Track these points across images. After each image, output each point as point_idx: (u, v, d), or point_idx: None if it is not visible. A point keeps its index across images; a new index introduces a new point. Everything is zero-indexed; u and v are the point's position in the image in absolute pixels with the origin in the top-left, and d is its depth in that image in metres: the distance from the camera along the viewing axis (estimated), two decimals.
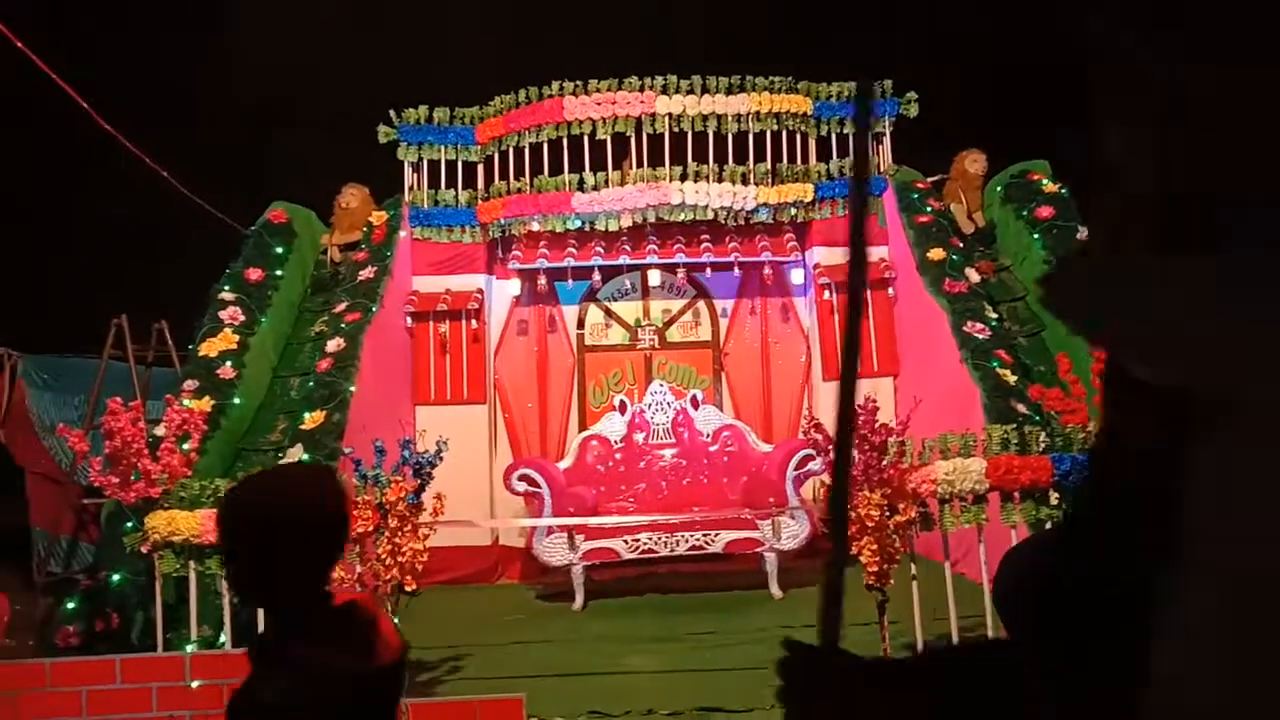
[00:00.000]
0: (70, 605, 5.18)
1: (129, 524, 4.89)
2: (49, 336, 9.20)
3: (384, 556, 4.45)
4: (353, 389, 6.45)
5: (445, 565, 7.54)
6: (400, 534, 4.44)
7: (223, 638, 4.73)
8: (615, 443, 7.49)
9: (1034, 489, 4.44)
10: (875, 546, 4.34)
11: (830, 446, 4.42)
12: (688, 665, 5.16)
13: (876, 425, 4.29)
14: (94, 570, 5.33)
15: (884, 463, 4.37)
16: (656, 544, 6.54)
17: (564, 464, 7.39)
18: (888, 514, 4.33)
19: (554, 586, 6.72)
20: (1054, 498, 4.45)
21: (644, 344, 8.19)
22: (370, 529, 4.43)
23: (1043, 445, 4.49)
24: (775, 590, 6.47)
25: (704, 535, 6.52)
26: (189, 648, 4.57)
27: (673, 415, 7.54)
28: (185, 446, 5.96)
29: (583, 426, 7.96)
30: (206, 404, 6.36)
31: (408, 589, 4.49)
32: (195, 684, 4.45)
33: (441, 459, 4.71)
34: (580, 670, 5.16)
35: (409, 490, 4.46)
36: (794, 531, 6.41)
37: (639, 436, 7.51)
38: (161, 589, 4.74)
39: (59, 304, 9.14)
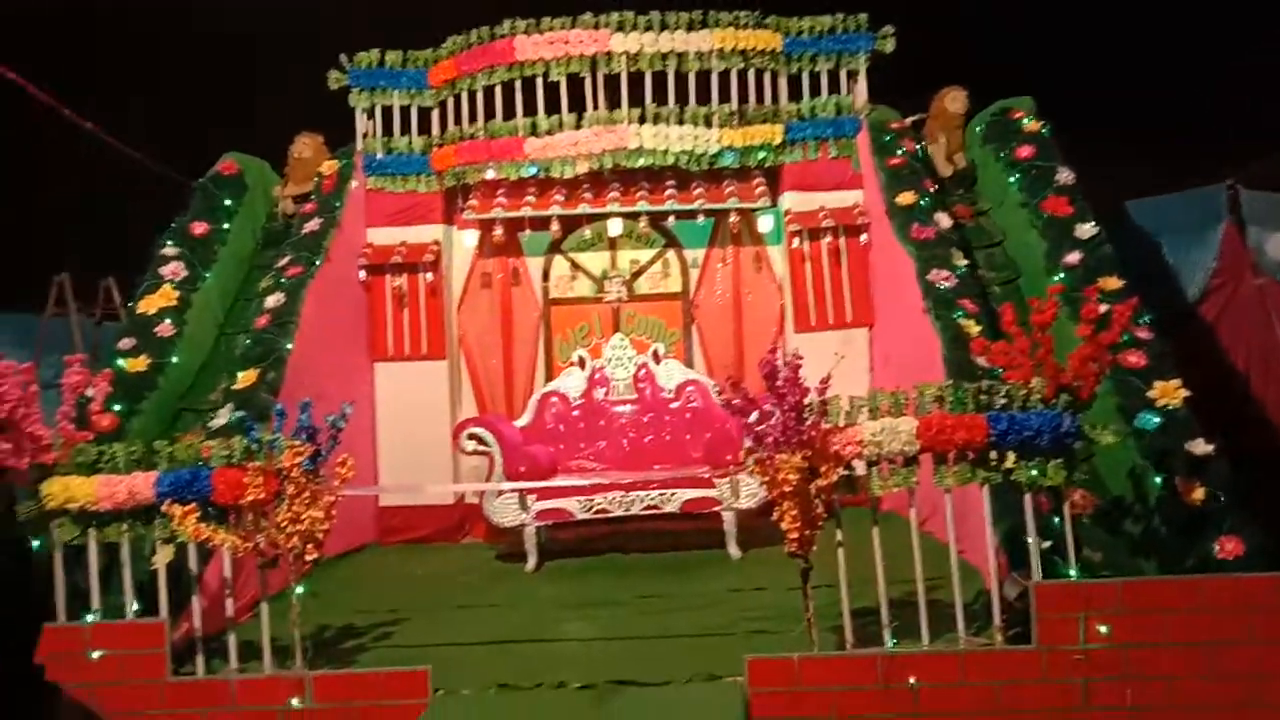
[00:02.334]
0: None
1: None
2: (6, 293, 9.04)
3: (284, 524, 4.25)
4: (290, 346, 6.22)
5: (409, 524, 7.45)
6: (298, 501, 4.23)
7: (134, 606, 4.56)
8: (574, 399, 7.25)
9: (968, 449, 4.13)
10: (795, 512, 4.06)
11: (749, 405, 4.17)
12: (623, 632, 4.96)
13: (786, 382, 3.98)
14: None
15: (806, 423, 4.08)
16: (611, 504, 6.32)
17: (521, 421, 7.17)
18: (808, 478, 4.04)
19: (515, 546, 6.53)
20: (993, 459, 4.14)
21: (612, 296, 7.89)
22: (264, 496, 4.22)
23: (979, 403, 4.17)
24: (733, 550, 6.25)
25: (660, 494, 6.29)
26: (89, 618, 4.42)
27: (634, 370, 7.27)
28: (117, 408, 5.84)
29: (550, 381, 7.71)
30: (142, 362, 6.20)
31: (308, 557, 4.28)
32: (96, 654, 4.32)
33: (345, 423, 4.47)
34: (511, 637, 4.98)
35: (304, 456, 4.23)
36: (753, 490, 6.13)
37: (599, 393, 7.25)
38: (98, 556, 4.58)
39: (8, 261, 8.94)
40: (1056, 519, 4.32)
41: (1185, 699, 3.92)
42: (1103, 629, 3.95)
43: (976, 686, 3.99)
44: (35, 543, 4.91)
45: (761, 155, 7.46)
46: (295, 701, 4.18)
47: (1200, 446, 4.71)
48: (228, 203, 7.35)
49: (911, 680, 3.98)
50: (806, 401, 4.12)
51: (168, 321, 6.44)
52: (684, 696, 4.06)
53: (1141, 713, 3.93)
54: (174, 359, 6.31)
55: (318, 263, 6.83)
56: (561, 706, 4.08)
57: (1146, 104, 9.27)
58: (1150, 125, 9.27)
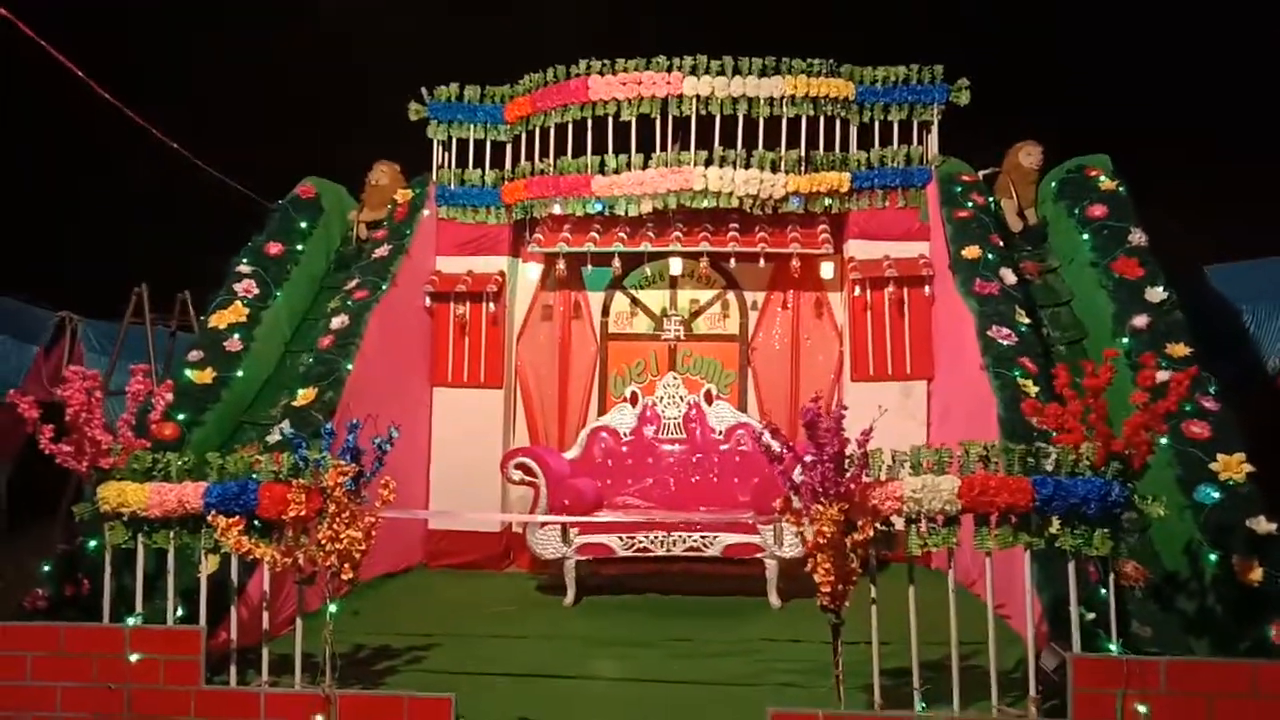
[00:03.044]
0: (45, 569, 5.24)
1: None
2: (105, 303, 9.50)
3: (324, 543, 4.32)
4: (350, 367, 6.36)
5: (456, 549, 7.52)
6: (338, 521, 4.30)
7: (179, 611, 4.68)
8: (625, 435, 7.26)
9: (1011, 512, 4.02)
10: (830, 565, 4.00)
11: (786, 451, 4.13)
12: (650, 675, 4.92)
13: (827, 431, 3.93)
14: (72, 536, 5.38)
15: (846, 475, 4.02)
16: (653, 543, 6.29)
17: (570, 454, 7.20)
18: (845, 530, 3.98)
19: (556, 579, 6.53)
20: (1038, 524, 4.02)
21: (669, 334, 7.92)
22: (305, 513, 4.31)
23: (1026, 466, 4.07)
24: (773, 599, 6.16)
25: (702, 537, 6.25)
26: (130, 620, 4.54)
27: (685, 410, 7.26)
28: (180, 417, 6.04)
29: (602, 416, 7.74)
30: (209, 375, 6.39)
31: (345, 576, 4.34)
32: (134, 657, 4.44)
33: (391, 446, 4.54)
34: (540, 671, 4.98)
35: (347, 476, 4.31)
36: (796, 540, 6.04)
37: (649, 430, 7.25)
38: (144, 558, 4.72)
39: (113, 274, 9.38)
40: (1103, 590, 4.17)
41: None
42: (1141, 709, 3.78)
43: None
44: (92, 543, 5.12)
45: (828, 202, 7.44)
46: (320, 719, 4.23)
47: (1262, 525, 4.52)
48: (303, 225, 7.58)
49: None
50: (847, 453, 4.07)
51: (236, 336, 6.64)
52: None
53: None
54: (239, 373, 6.50)
55: (384, 287, 6.99)
56: None
57: (1232, 167, 9.03)
58: (1236, 189, 9.02)
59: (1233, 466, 4.82)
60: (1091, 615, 4.17)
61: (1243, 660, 4.03)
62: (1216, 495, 4.74)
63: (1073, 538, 3.97)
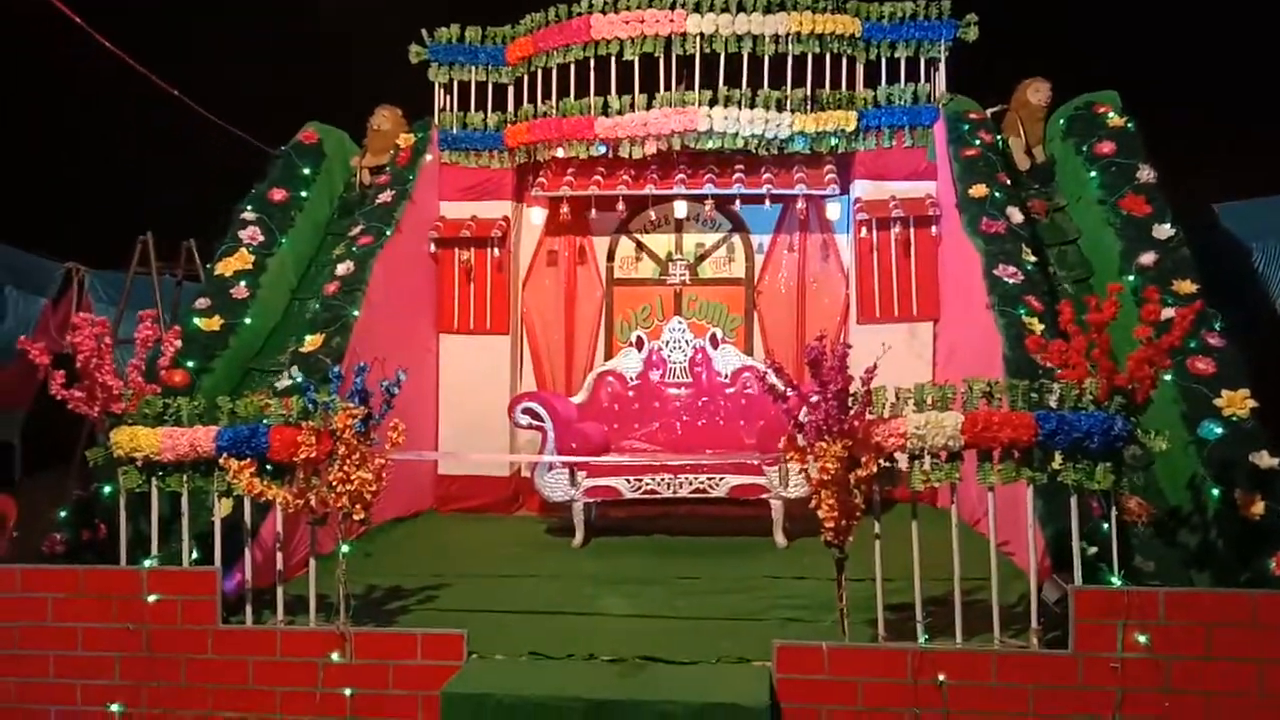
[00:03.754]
0: (62, 514, 5.31)
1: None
2: (113, 254, 9.50)
3: (334, 484, 4.38)
4: (356, 314, 6.38)
5: (466, 493, 7.62)
6: (348, 462, 4.36)
7: (194, 554, 4.76)
8: (631, 379, 7.29)
9: (1014, 447, 4.05)
10: (834, 501, 4.04)
11: (790, 389, 4.15)
12: (657, 611, 5.01)
13: (830, 370, 3.95)
14: (88, 483, 5.45)
15: (850, 412, 4.05)
16: (659, 485, 6.35)
17: (577, 399, 7.25)
18: (848, 467, 4.02)
19: (566, 521, 6.61)
20: (1038, 459, 4.05)
21: (675, 278, 7.91)
22: (316, 455, 4.36)
23: (1030, 401, 4.08)
24: (779, 538, 6.24)
25: (708, 479, 6.30)
26: (147, 563, 4.63)
27: (691, 353, 7.28)
28: (189, 365, 6.08)
29: (609, 360, 7.76)
30: (216, 323, 6.42)
31: (357, 517, 4.41)
32: (152, 598, 4.53)
33: (399, 389, 4.58)
34: (549, 608, 5.07)
35: (356, 418, 4.35)
36: (801, 479, 6.09)
37: (655, 374, 7.28)
38: (159, 503, 4.79)
39: (120, 224, 9.37)
40: (1105, 525, 4.21)
41: (1225, 716, 3.79)
42: (1141, 638, 3.84)
43: (1008, 688, 3.92)
44: (107, 488, 5.19)
45: (834, 142, 7.38)
46: (335, 655, 4.32)
47: (1265, 459, 4.54)
48: (306, 171, 7.55)
49: (941, 677, 3.93)
50: (851, 391, 4.09)
51: (243, 284, 6.65)
52: (711, 677, 4.09)
53: None
54: (246, 320, 6.52)
55: (388, 233, 6.98)
56: (589, 677, 4.14)
57: (1243, 104, 8.90)
58: (1247, 126, 8.90)
59: (1237, 402, 4.83)
60: (1094, 549, 4.21)
61: (1241, 590, 4.08)
62: (1220, 431, 4.76)
63: (1075, 472, 4.00)
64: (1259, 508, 4.39)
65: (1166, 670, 3.85)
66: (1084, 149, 6.77)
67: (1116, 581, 4.05)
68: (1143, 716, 3.83)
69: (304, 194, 7.42)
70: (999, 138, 7.23)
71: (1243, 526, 4.41)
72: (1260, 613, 3.88)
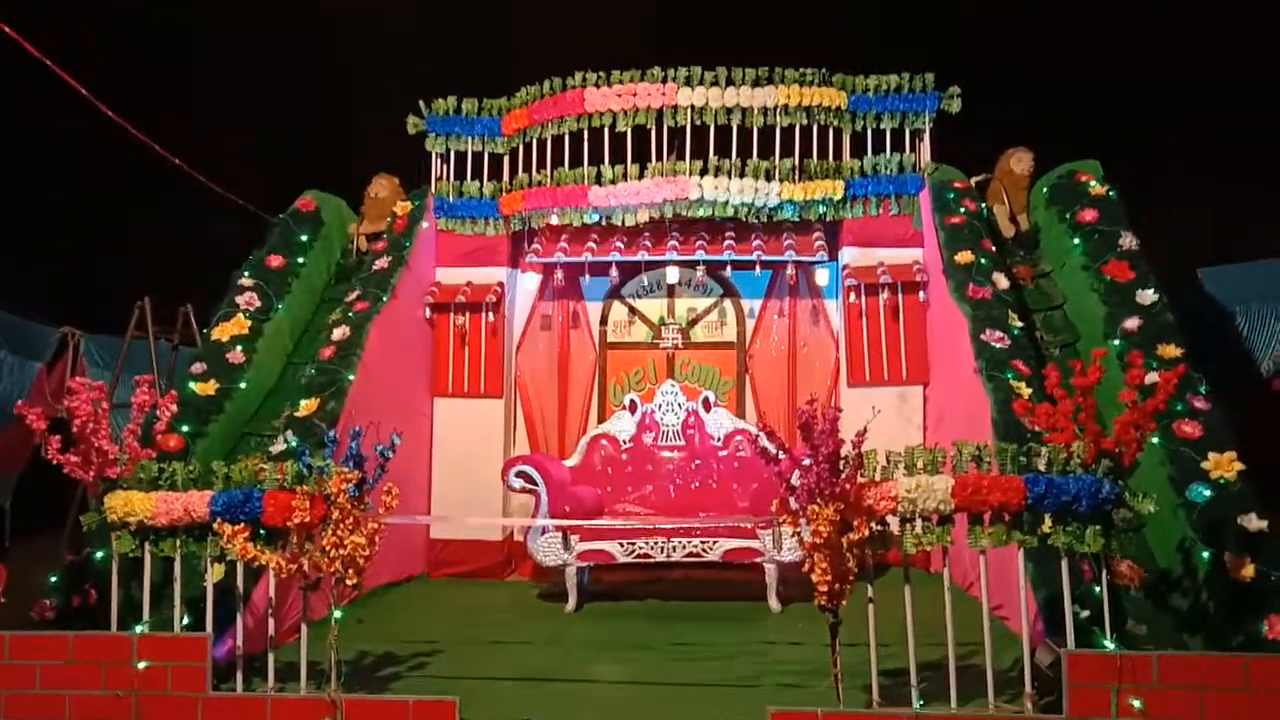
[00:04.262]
0: (52, 579, 5.29)
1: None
2: (108, 319, 9.56)
3: (327, 549, 4.38)
4: (351, 378, 6.42)
5: (458, 558, 7.59)
6: (342, 527, 4.37)
7: (185, 619, 4.73)
8: (624, 443, 7.32)
9: (1004, 510, 4.09)
10: (827, 564, 4.06)
11: (781, 452, 4.19)
12: (650, 678, 4.98)
13: (821, 434, 4.01)
14: (79, 548, 5.43)
15: (841, 475, 4.09)
16: (653, 549, 6.35)
17: (571, 462, 7.27)
18: (841, 530, 4.04)
19: (559, 586, 6.59)
20: (1031, 522, 4.09)
21: (667, 342, 8.00)
22: (309, 520, 4.37)
23: (1018, 465, 4.13)
24: (773, 603, 6.23)
25: (702, 542, 6.31)
26: (138, 629, 4.60)
27: (683, 416, 7.33)
28: (184, 429, 6.10)
29: (602, 423, 7.80)
30: (211, 387, 6.45)
31: (350, 582, 4.40)
32: (142, 665, 4.49)
33: (393, 452, 4.61)
34: (540, 675, 5.04)
35: (351, 482, 4.37)
36: (795, 544, 6.10)
37: (648, 437, 7.32)
38: (152, 568, 4.77)
39: (116, 289, 9.45)
40: (1097, 588, 4.22)
41: None
42: (1136, 703, 3.84)
43: None
44: (99, 554, 5.17)
45: (822, 210, 7.52)
46: None
47: (1253, 522, 4.58)
48: (304, 238, 7.66)
49: None
50: (843, 454, 4.14)
51: (239, 349, 6.70)
52: None
53: None
54: (242, 385, 6.56)
55: (384, 299, 7.07)
56: None
57: (1225, 171, 9.11)
58: (1228, 193, 9.10)
59: (1224, 465, 4.89)
60: (1086, 613, 4.23)
61: (1234, 655, 4.09)
62: (1208, 493, 4.80)
63: (1065, 535, 4.04)
64: (1249, 570, 4.41)
65: None
66: (1067, 216, 6.92)
67: (1109, 645, 4.05)
68: None
69: (301, 260, 7.51)
70: (983, 206, 7.39)
71: (1233, 589, 4.43)
72: (1253, 676, 3.88)
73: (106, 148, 9.41)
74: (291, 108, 10.45)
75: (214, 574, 4.68)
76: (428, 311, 7.77)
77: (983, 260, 6.66)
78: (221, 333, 6.81)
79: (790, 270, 7.53)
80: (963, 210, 7.10)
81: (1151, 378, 4.76)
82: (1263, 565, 4.43)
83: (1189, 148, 9.10)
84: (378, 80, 9.91)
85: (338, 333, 6.79)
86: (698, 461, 7.23)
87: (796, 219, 7.52)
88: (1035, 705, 4.02)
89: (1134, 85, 9.44)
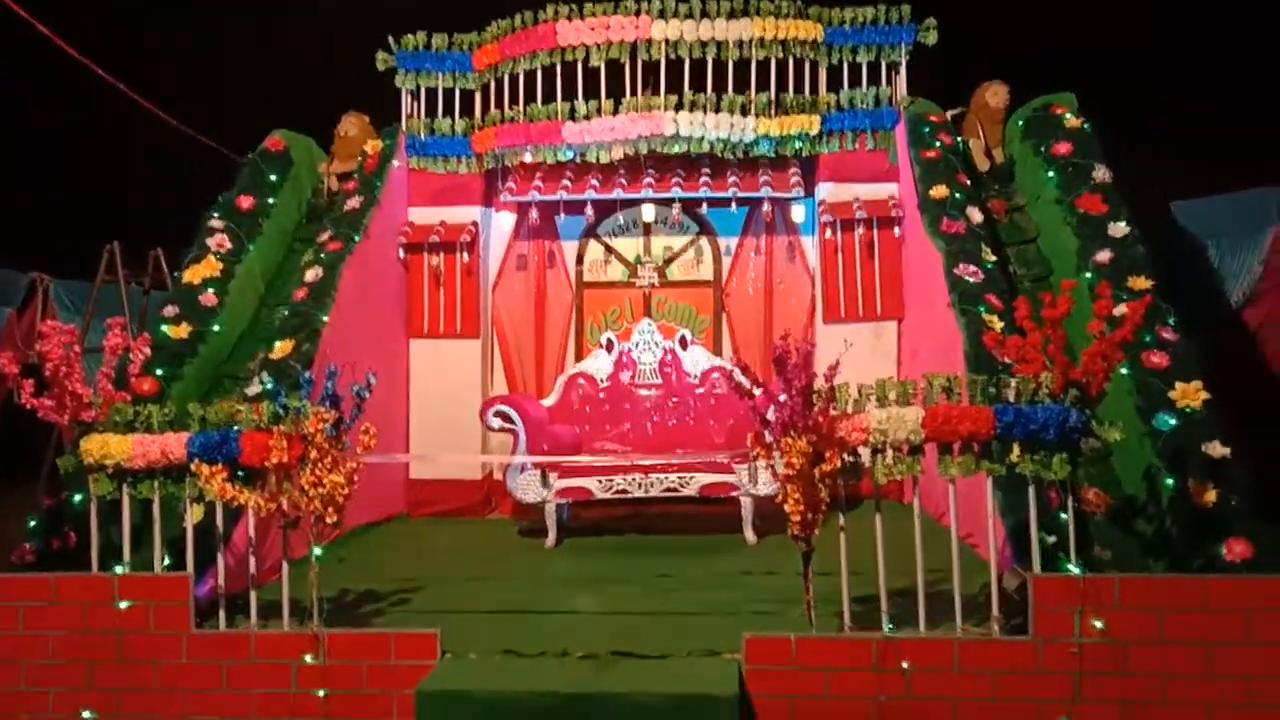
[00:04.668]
0: (31, 523, 5.29)
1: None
2: (76, 264, 9.44)
3: (306, 488, 4.41)
4: (325, 319, 6.40)
5: (438, 497, 7.64)
6: (320, 466, 4.39)
7: (166, 560, 4.76)
8: (601, 381, 7.36)
9: (973, 440, 4.16)
10: (799, 495, 4.13)
11: (756, 387, 4.24)
12: (631, 608, 5.08)
13: (795, 367, 4.05)
14: (57, 492, 5.43)
15: (814, 409, 4.14)
16: (630, 485, 6.42)
17: (548, 401, 7.30)
18: (813, 462, 4.10)
19: (538, 523, 6.66)
20: (997, 452, 4.16)
21: (644, 281, 7.99)
22: (287, 459, 4.38)
23: (988, 395, 4.19)
24: (749, 535, 6.34)
25: (679, 478, 6.38)
26: (118, 569, 4.63)
27: (660, 355, 7.36)
28: (158, 373, 6.07)
29: (580, 362, 7.81)
30: (185, 330, 6.40)
31: (329, 521, 4.44)
32: (124, 605, 4.53)
33: (369, 392, 4.62)
34: (523, 608, 5.12)
35: (327, 422, 4.38)
36: (770, 477, 6.18)
37: (625, 376, 7.35)
38: (131, 511, 4.78)
39: (85, 233, 9.31)
40: (1063, 515, 4.32)
41: (1179, 696, 3.91)
42: (1098, 624, 3.96)
43: (971, 674, 4.02)
44: (77, 497, 5.17)
45: (798, 145, 7.49)
46: (309, 658, 4.35)
47: (1217, 449, 4.67)
48: (273, 178, 7.55)
49: (905, 665, 4.02)
50: (815, 388, 4.18)
51: (211, 291, 6.64)
52: (682, 669, 4.16)
53: (1134, 708, 3.93)
54: (215, 328, 6.51)
55: (356, 239, 7.01)
56: (563, 672, 4.20)
57: (1200, 105, 9.11)
58: (1203, 126, 9.11)
59: (1190, 394, 4.96)
60: (1053, 539, 4.32)
61: (1193, 576, 4.21)
62: (1174, 422, 4.89)
63: (1032, 463, 4.11)
64: (1211, 495, 4.51)
65: (1123, 653, 3.96)
66: (1042, 150, 6.91)
67: (1075, 569, 4.16)
68: (1100, 699, 3.94)
69: (271, 201, 7.42)
70: (959, 140, 7.37)
71: (1195, 514, 4.54)
72: (1211, 597, 4.00)
73: (72, 91, 9.22)
74: (258, 46, 10.22)
75: (193, 515, 4.71)
76: (401, 252, 7.72)
77: (957, 194, 6.67)
78: (193, 275, 6.74)
79: (766, 207, 7.51)
80: (938, 144, 7.08)
81: (1121, 310, 4.81)
82: (1224, 491, 4.53)
83: (1167, 84, 9.08)
84: (345, 16, 9.70)
85: (310, 274, 6.74)
86: (675, 399, 7.28)
87: (773, 154, 7.48)
88: (1002, 628, 4.13)
89: (1113, 16, 9.38)
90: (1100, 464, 4.99)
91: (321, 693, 4.31)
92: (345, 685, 4.32)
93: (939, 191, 6.69)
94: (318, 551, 4.49)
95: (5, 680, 4.54)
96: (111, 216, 9.88)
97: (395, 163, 7.68)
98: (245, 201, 7.28)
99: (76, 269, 9.56)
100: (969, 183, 6.95)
